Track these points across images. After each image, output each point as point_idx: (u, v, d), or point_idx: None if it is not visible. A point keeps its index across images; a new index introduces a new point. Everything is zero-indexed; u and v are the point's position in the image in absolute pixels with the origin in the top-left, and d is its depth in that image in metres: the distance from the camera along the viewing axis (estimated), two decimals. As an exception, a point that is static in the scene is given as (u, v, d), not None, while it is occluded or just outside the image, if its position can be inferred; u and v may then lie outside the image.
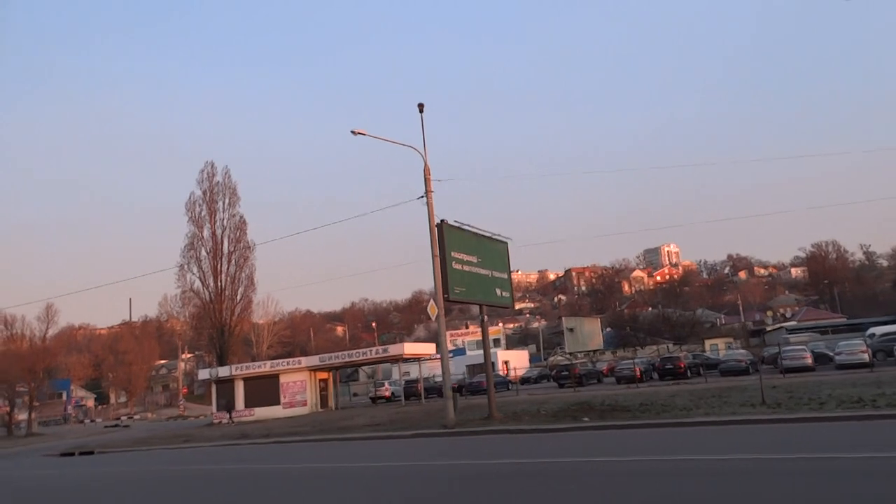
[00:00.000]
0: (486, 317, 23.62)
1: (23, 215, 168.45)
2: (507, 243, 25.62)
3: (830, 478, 7.32)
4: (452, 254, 21.64)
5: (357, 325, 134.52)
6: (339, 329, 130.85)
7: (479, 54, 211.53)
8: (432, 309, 20.79)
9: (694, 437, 13.17)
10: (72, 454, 26.43)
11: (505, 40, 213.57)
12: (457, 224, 22.73)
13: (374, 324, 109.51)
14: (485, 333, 23.19)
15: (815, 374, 28.36)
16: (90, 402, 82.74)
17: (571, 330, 59.97)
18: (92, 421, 67.04)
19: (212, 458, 17.92)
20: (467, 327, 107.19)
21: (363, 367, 65.25)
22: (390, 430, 21.00)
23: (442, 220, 21.87)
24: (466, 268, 22.35)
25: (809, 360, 30.76)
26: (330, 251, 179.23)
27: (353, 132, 22.10)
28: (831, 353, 32.87)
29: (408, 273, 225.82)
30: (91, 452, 26.12)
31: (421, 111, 21.70)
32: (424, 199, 22.04)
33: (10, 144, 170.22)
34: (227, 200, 46.89)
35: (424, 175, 21.98)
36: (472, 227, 23.61)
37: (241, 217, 47.18)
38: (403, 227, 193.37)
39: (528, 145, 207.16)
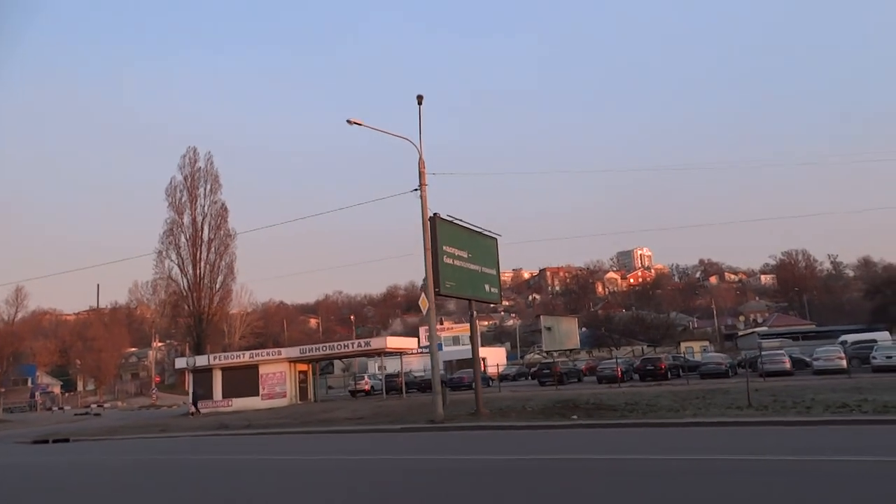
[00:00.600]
0: (475, 312, 23.61)
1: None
2: (496, 239, 25.63)
3: (831, 479, 7.40)
4: (444, 248, 21.59)
5: (330, 317, 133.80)
6: (313, 321, 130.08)
7: (471, 52, 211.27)
8: (423, 303, 20.67)
9: (687, 437, 13.27)
10: (45, 441, 25.74)
11: (496, 39, 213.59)
12: (449, 218, 22.69)
13: (352, 317, 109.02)
14: (473, 329, 23.16)
15: (795, 379, 28.87)
16: (56, 389, 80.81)
17: (549, 329, 60.29)
18: (60, 408, 65.40)
19: (196, 449, 17.58)
20: (442, 323, 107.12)
21: (337, 360, 64.81)
22: (376, 423, 20.86)
23: (435, 214, 21.76)
24: (457, 262, 22.31)
25: (788, 365, 31.34)
26: (307, 243, 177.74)
27: (348, 121, 21.80)
28: (808, 359, 33.55)
29: (383, 267, 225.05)
30: (66, 440, 25.49)
31: (419, 103, 21.44)
32: (418, 191, 21.88)
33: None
34: (208, 187, 46.22)
35: (419, 168, 21.80)
36: (463, 221, 23.59)
37: (223, 204, 46.55)
38: (384, 221, 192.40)
39: (509, 143, 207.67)
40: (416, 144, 21.74)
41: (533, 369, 45.47)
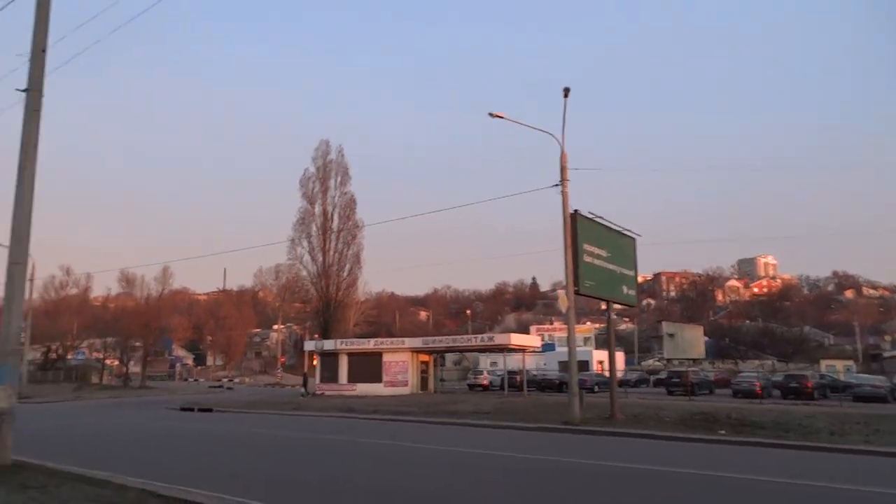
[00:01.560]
0: (612, 315, 22.84)
1: (140, 184, 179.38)
2: (634, 239, 24.72)
3: None
4: (584, 246, 21.09)
5: (440, 310, 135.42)
6: (423, 314, 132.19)
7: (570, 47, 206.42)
8: (563, 301, 20.19)
9: (871, 466, 12.00)
10: (191, 410, 27.63)
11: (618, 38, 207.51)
12: (590, 215, 22.07)
13: (468, 311, 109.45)
14: (610, 331, 22.39)
15: (973, 409, 25.81)
16: (190, 362, 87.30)
17: (671, 336, 57.51)
18: (195, 380, 70.60)
19: (334, 430, 18.06)
20: (552, 323, 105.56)
21: (449, 353, 65.30)
22: (505, 420, 20.53)
23: (576, 211, 21.26)
24: (597, 262, 21.75)
25: (964, 393, 28.13)
26: (421, 236, 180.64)
27: (490, 114, 21.74)
28: None
29: (492, 264, 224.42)
30: (210, 410, 27.20)
31: (566, 95, 20.85)
32: (559, 187, 21.38)
33: (134, 119, 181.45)
34: (338, 178, 47.78)
35: (561, 163, 21.28)
36: (603, 219, 22.89)
37: (352, 196, 47.87)
38: (501, 218, 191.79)
39: (626, 141, 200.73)
40: (559, 139, 21.25)
41: (656, 376, 43.72)
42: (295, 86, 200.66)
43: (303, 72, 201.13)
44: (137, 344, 53.68)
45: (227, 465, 11.40)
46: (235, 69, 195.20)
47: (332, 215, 46.72)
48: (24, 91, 11.48)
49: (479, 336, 40.60)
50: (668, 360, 60.33)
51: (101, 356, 58.71)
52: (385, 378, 36.99)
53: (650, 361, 67.87)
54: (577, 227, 20.87)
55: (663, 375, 40.65)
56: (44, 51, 11.64)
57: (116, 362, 57.71)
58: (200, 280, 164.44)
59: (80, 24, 31.46)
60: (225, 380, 67.37)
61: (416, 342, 38.97)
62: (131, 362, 54.48)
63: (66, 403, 34.20)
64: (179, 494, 7.72)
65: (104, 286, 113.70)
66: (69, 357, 57.97)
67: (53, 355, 56.38)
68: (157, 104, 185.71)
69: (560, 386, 37.75)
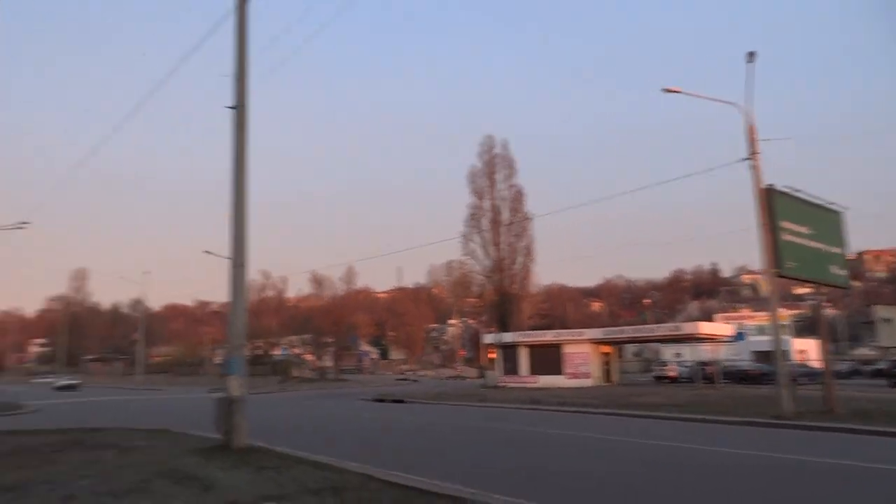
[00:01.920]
0: (821, 300, 20.63)
1: (318, 188, 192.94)
2: (840, 213, 22.16)
3: None
4: (782, 224, 19.27)
5: (612, 301, 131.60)
6: (595, 305, 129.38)
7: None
8: (764, 285, 18.51)
9: None
10: (383, 401, 29.25)
11: None
12: (787, 189, 20.13)
13: (645, 301, 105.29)
14: (820, 316, 20.26)
15: None
16: (375, 356, 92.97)
17: (887, 321, 50.85)
18: (382, 373, 75.00)
19: (536, 423, 18.05)
20: (737, 310, 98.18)
21: (626, 345, 63.10)
22: (705, 413, 19.26)
23: (771, 185, 19.50)
24: (798, 240, 19.80)
25: None
26: (589, 225, 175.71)
27: (665, 90, 20.73)
28: None
29: (666, 251, 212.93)
30: (401, 401, 28.61)
31: (750, 60, 19.16)
32: (749, 161, 19.76)
33: (310, 127, 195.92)
34: (505, 172, 48.00)
35: (749, 135, 19.71)
36: (802, 192, 20.77)
37: (519, 188, 47.79)
38: (671, 201, 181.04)
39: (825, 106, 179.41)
40: (745, 109, 19.61)
41: (872, 367, 38.97)
42: (451, 83, 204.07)
43: (452, 68, 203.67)
44: (328, 340, 58.13)
45: (430, 454, 11.81)
46: (380, 68, 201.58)
47: (500, 209, 47.13)
48: (232, 108, 12.74)
49: (664, 325, 38.76)
50: (886, 349, 53.48)
51: (298, 352, 64.42)
52: (566, 370, 36.58)
53: (863, 350, 60.50)
54: (774, 204, 19.14)
55: (883, 365, 35.96)
56: (245, 70, 12.86)
57: (312, 357, 63.04)
58: (378, 279, 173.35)
59: (271, 41, 34.42)
60: (409, 373, 70.83)
61: (597, 333, 38.14)
62: (324, 357, 59.10)
63: (275, 395, 37.86)
64: (395, 479, 8.12)
65: (295, 287, 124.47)
66: (273, 353, 64.29)
67: (259, 351, 62.90)
68: (321, 112, 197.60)
69: (759, 377, 34.96)
